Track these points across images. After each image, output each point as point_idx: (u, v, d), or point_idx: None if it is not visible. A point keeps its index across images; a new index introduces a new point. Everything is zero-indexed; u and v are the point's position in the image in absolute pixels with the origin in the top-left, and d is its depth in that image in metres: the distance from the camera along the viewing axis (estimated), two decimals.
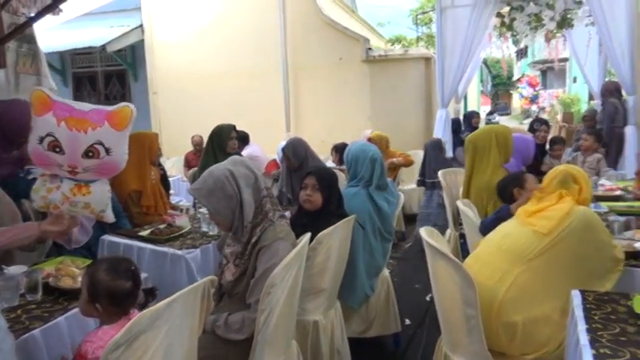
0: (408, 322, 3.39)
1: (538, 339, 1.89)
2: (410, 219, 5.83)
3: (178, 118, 8.55)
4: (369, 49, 7.62)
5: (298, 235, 2.11)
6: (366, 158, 2.79)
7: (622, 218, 2.63)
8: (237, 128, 4.27)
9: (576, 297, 1.79)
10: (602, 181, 3.93)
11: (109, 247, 2.96)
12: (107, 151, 1.87)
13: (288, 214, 2.97)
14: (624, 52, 5.63)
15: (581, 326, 1.58)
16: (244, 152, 5.29)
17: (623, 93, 5.93)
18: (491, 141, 3.10)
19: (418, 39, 14.56)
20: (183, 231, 3.03)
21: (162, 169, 4.36)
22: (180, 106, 8.57)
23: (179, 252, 2.72)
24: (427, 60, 7.82)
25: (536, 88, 23.23)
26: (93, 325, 1.79)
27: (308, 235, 2.10)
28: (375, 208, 2.79)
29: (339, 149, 5.16)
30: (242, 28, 8.07)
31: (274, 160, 5.32)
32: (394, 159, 5.51)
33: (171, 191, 4.74)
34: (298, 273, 1.98)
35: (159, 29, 8.75)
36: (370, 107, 7.57)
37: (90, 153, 1.85)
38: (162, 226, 3.09)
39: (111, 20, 9.23)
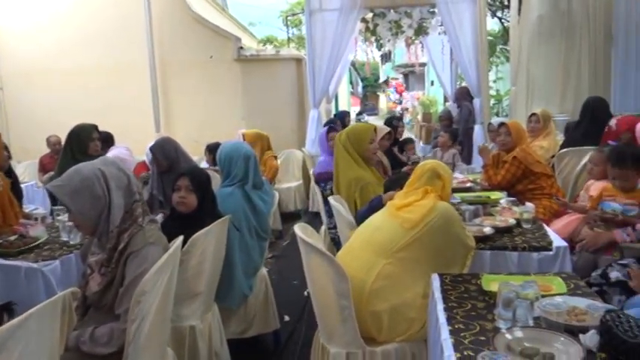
0: (287, 318, 3.44)
1: (403, 323, 2.04)
2: (287, 217, 5.91)
3: (31, 117, 7.69)
4: (241, 48, 7.58)
5: (172, 239, 2.03)
6: (240, 157, 2.78)
7: (472, 207, 2.94)
8: (101, 128, 3.97)
9: (435, 280, 1.97)
10: (456, 174, 4.34)
11: None
12: None
13: (160, 217, 2.85)
14: (471, 59, 6.31)
15: (440, 306, 1.75)
16: (109, 154, 4.93)
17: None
18: (343, 138, 3.24)
19: (289, 40, 14.79)
20: (38, 242, 2.75)
21: (12, 175, 3.91)
22: (33, 104, 7.71)
23: (34, 265, 2.47)
24: (298, 61, 8.00)
25: (400, 87, 25.09)
26: None
27: (180, 238, 2.03)
28: (251, 206, 2.79)
29: (212, 149, 5.05)
30: (104, 20, 7.50)
31: (143, 162, 5.04)
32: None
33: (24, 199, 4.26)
34: (171, 278, 1.91)
35: (3, 15, 7.78)
36: (244, 107, 7.53)
37: None
38: (12, 238, 2.77)
39: None
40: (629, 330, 1.33)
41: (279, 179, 6.44)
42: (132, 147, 5.73)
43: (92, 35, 7.50)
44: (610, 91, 6.36)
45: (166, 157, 3.62)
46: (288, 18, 15.38)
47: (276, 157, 5.96)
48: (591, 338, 1.40)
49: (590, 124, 4.15)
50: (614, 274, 2.30)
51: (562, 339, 1.43)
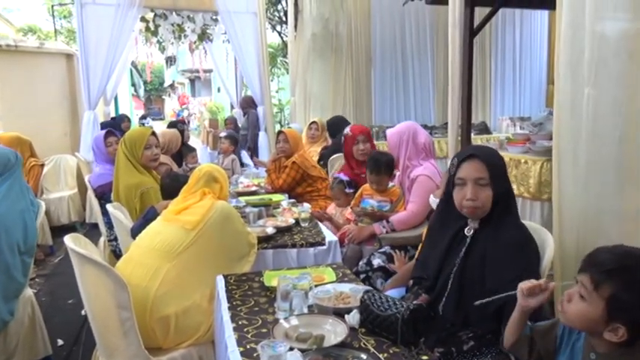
0: (61, 342, 3.13)
1: (190, 327, 2.04)
2: (59, 231, 5.28)
3: None
4: None
5: None
6: None
7: (256, 209, 3.09)
8: None
9: (220, 281, 2.02)
10: (242, 179, 4.47)
11: None
12: None
13: None
14: (254, 69, 6.59)
15: (224, 305, 1.80)
16: None
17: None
18: (121, 144, 3.13)
19: (56, 32, 13.18)
20: None
21: None
22: None
23: None
24: (69, 57, 7.21)
25: (186, 98, 24.65)
26: None
27: None
28: None
29: None
30: None
31: None
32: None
33: None
34: None
35: None
36: (0, 105, 6.45)
37: None
38: None
39: None
40: (381, 305, 1.58)
41: (47, 188, 5.74)
42: None
43: None
44: (372, 104, 7.37)
45: None
46: (55, 8, 13.69)
47: (42, 165, 5.29)
48: (354, 317, 1.62)
49: None
50: (376, 261, 2.69)
51: (331, 321, 1.62)
